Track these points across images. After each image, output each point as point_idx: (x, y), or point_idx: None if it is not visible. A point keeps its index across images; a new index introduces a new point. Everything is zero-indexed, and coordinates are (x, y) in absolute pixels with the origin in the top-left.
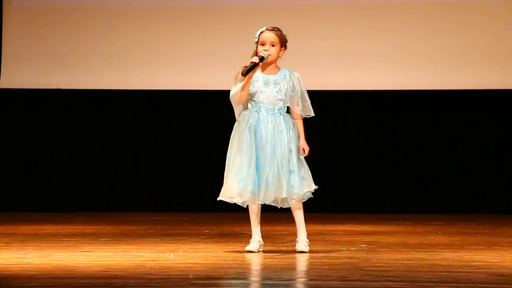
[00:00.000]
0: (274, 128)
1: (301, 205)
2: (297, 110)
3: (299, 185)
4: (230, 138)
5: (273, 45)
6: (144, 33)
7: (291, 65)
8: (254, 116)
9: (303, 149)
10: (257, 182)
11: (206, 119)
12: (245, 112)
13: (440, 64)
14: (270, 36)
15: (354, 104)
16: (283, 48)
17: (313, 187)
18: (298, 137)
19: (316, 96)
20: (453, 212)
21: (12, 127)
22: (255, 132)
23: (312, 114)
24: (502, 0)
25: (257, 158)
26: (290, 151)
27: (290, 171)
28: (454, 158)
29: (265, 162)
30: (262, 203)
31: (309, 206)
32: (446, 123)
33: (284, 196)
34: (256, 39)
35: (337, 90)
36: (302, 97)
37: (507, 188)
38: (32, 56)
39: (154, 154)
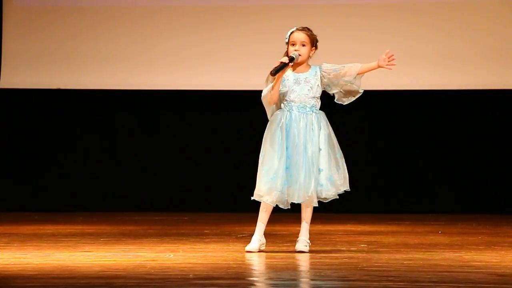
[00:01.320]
0: (306, 126)
1: (312, 206)
2: (352, 68)
3: (326, 185)
4: (263, 138)
5: (303, 45)
6: (144, 33)
7: None
8: (286, 116)
9: (387, 58)
10: (286, 182)
11: (206, 119)
12: (278, 112)
13: (440, 64)
14: (301, 36)
15: (354, 104)
16: (313, 48)
17: (345, 188)
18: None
19: None
20: (453, 212)
21: (12, 127)
22: (287, 132)
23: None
24: (502, 0)
25: (288, 157)
26: (320, 149)
27: (319, 170)
28: (454, 158)
29: (298, 162)
30: (297, 203)
31: None
32: (446, 123)
33: (309, 194)
34: (287, 40)
35: None
36: (341, 68)
37: (507, 188)
38: (32, 56)
39: (154, 154)
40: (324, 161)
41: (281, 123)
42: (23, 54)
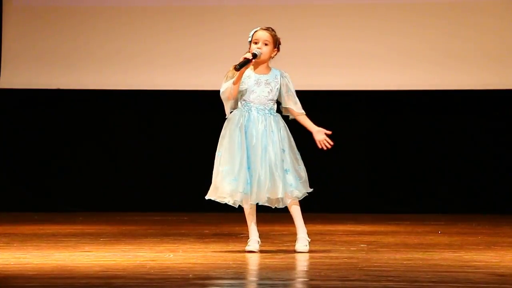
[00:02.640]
0: (265, 128)
1: (297, 201)
2: (297, 108)
3: (296, 184)
4: (220, 137)
5: (266, 44)
6: (144, 33)
7: (291, 65)
8: (245, 116)
9: (326, 138)
10: (248, 182)
11: (206, 119)
12: (235, 111)
13: (440, 64)
14: (264, 35)
15: (354, 104)
16: (275, 49)
17: (309, 189)
18: (320, 129)
19: (315, 97)
20: (453, 212)
21: (12, 127)
22: (245, 132)
23: (303, 112)
24: (502, 0)
25: (247, 158)
26: (283, 150)
27: (286, 171)
28: (454, 158)
29: (256, 162)
30: (255, 203)
31: (309, 206)
32: (446, 123)
33: (279, 196)
34: (250, 38)
35: (336, 90)
36: (296, 96)
37: (507, 188)
38: (32, 56)
39: (154, 154)
40: (288, 162)
41: (239, 124)
42: (23, 54)
